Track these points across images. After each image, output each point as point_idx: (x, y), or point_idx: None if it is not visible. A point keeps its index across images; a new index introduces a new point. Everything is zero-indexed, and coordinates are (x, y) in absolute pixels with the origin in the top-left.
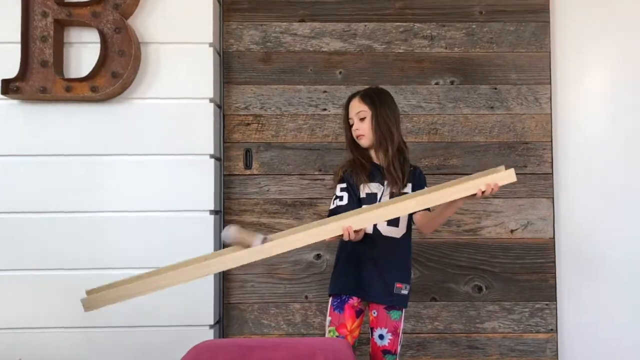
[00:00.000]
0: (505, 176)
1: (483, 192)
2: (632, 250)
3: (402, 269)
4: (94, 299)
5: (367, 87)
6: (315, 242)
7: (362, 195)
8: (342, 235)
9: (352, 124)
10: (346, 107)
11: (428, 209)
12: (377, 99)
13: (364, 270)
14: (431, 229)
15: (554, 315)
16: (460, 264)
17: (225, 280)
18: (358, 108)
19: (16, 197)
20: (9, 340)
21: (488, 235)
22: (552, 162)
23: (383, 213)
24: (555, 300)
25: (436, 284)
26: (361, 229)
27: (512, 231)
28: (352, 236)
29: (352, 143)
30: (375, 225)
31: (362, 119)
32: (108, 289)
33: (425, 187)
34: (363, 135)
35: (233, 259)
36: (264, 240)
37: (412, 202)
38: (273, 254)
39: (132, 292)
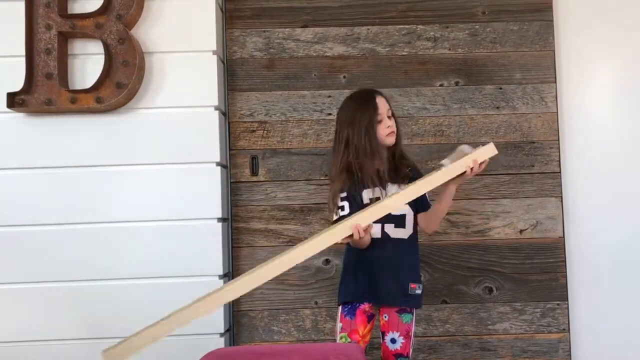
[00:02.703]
0: (486, 150)
1: (472, 169)
2: None
3: (414, 269)
4: (114, 354)
5: (369, 87)
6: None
7: (366, 201)
8: (351, 236)
9: (381, 120)
10: (374, 103)
11: (427, 209)
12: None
13: (376, 274)
14: (434, 225)
15: (566, 314)
16: (469, 266)
17: None
18: (386, 105)
19: (23, 210)
20: (16, 353)
21: (497, 236)
22: (559, 161)
23: (386, 204)
24: (567, 300)
25: (446, 286)
26: (369, 226)
27: (521, 231)
28: (362, 234)
29: (376, 142)
30: (383, 229)
31: (390, 117)
32: (125, 341)
33: None
34: (393, 132)
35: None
36: None
37: (412, 189)
38: (292, 265)
39: (151, 336)
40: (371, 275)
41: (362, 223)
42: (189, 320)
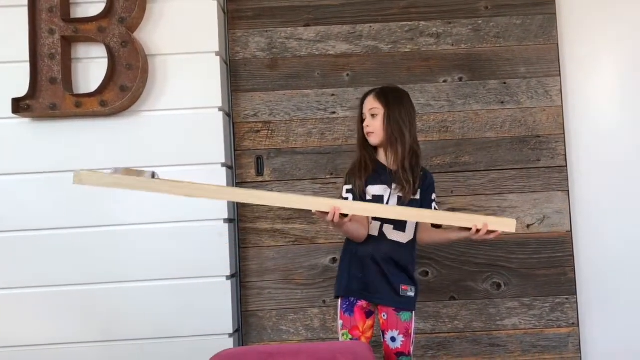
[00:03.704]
0: (505, 223)
1: (478, 231)
2: None
3: (406, 272)
4: (86, 175)
5: (388, 85)
6: (326, 243)
7: (369, 197)
8: (327, 213)
9: (364, 120)
10: (361, 103)
11: (438, 225)
12: (392, 98)
13: (368, 272)
14: (425, 242)
15: (575, 309)
16: (477, 262)
17: (242, 288)
18: (371, 105)
19: (29, 215)
20: (29, 357)
21: (503, 234)
22: (565, 155)
23: (377, 210)
24: (576, 294)
25: (454, 282)
26: (348, 218)
27: (528, 226)
28: (336, 218)
29: (362, 141)
30: (381, 229)
31: (373, 116)
32: (102, 175)
33: (433, 193)
34: (373, 133)
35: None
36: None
37: (409, 212)
38: (278, 205)
39: (124, 183)
40: (363, 272)
41: (344, 209)
42: (179, 193)
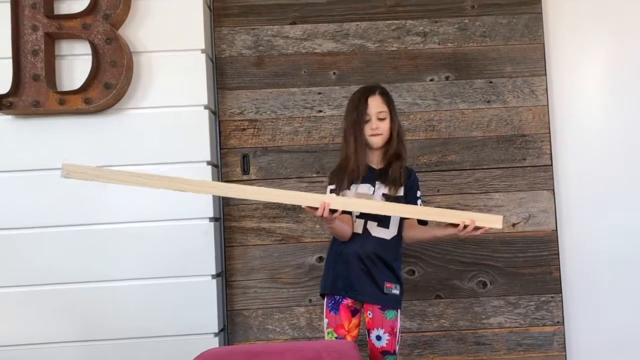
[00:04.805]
0: (492, 219)
1: (465, 227)
2: (635, 240)
3: (391, 269)
4: (74, 167)
5: (378, 84)
6: (313, 242)
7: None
8: (316, 209)
9: (369, 120)
10: (364, 102)
11: (424, 223)
12: (392, 100)
13: (352, 270)
14: (411, 240)
15: (560, 307)
16: (463, 260)
17: (228, 287)
18: (380, 107)
19: (12, 213)
20: (10, 357)
21: (490, 230)
22: (551, 154)
23: (365, 204)
24: (561, 293)
25: (440, 281)
26: (337, 213)
27: (513, 225)
28: (326, 213)
29: (362, 142)
30: (365, 225)
31: (381, 119)
32: (91, 168)
33: (418, 191)
34: (380, 135)
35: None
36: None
37: (398, 207)
38: (267, 200)
39: (113, 177)
40: (348, 270)
41: (333, 205)
42: (169, 187)
